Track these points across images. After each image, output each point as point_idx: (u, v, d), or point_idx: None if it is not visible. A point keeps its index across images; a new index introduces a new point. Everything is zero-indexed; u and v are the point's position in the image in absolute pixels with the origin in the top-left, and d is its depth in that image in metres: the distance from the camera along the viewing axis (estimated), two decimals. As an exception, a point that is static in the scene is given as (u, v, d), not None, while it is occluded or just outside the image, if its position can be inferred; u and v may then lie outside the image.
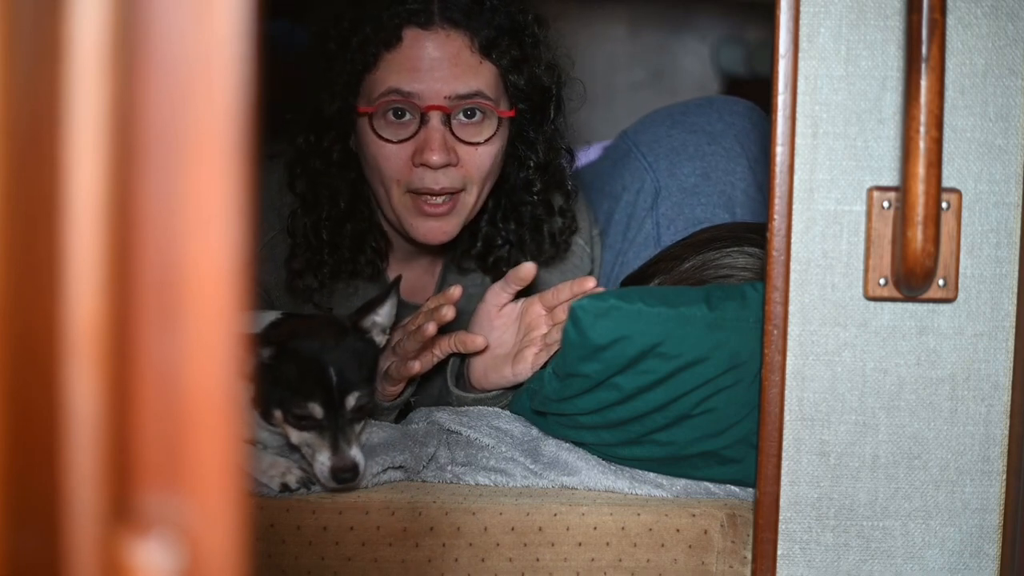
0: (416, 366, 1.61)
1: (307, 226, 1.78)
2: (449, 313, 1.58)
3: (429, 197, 1.72)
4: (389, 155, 1.71)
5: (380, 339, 1.57)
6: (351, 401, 1.46)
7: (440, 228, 1.75)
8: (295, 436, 1.46)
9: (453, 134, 1.70)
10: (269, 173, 1.82)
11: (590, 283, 1.60)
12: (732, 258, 1.68)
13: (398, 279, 1.60)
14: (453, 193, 1.72)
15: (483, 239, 1.86)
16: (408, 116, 1.69)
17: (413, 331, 1.61)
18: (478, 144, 1.72)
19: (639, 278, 1.79)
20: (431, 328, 1.57)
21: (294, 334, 1.50)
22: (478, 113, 1.72)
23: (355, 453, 1.44)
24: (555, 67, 1.80)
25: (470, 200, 1.75)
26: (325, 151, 1.76)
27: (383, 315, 1.56)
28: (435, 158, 1.68)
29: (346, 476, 1.43)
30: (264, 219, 1.81)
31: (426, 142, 1.69)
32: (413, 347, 1.61)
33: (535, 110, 1.78)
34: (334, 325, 1.56)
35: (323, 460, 1.43)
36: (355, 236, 1.80)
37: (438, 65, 1.68)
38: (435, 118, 1.69)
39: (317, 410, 1.44)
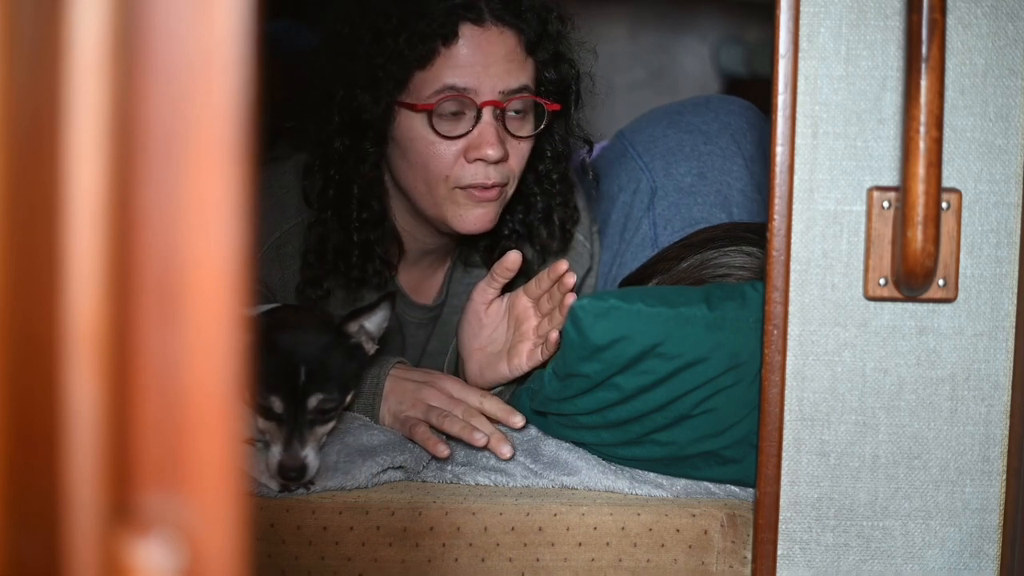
0: (445, 451, 1.55)
1: (325, 233, 1.77)
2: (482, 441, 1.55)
3: (479, 190, 1.72)
4: (440, 152, 1.70)
5: (369, 346, 1.56)
6: (313, 402, 1.46)
7: (486, 215, 1.74)
8: (260, 422, 1.47)
9: (506, 129, 1.71)
10: (276, 174, 1.82)
11: (563, 266, 1.60)
12: (730, 257, 1.69)
13: (393, 295, 1.59)
14: (501, 186, 1.73)
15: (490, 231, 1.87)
16: (458, 112, 1.69)
17: (443, 419, 1.57)
18: (524, 138, 1.74)
19: (637, 279, 1.79)
20: (445, 453, 1.54)
21: (279, 325, 1.51)
22: (522, 108, 1.73)
23: (306, 454, 1.44)
24: (574, 63, 1.81)
25: (510, 192, 1.77)
26: (365, 154, 1.75)
27: (373, 324, 1.55)
28: (492, 152, 1.68)
29: (291, 475, 1.43)
30: (270, 220, 1.81)
31: (482, 138, 1.69)
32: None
33: (560, 104, 1.80)
34: (321, 324, 1.55)
35: (274, 453, 1.45)
36: (365, 244, 1.79)
37: (493, 61, 1.69)
38: (488, 113, 1.69)
39: (277, 404, 1.44)
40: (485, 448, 1.54)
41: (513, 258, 1.64)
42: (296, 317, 1.58)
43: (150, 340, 0.53)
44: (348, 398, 1.54)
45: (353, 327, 1.54)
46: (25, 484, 0.51)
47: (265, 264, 1.80)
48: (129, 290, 0.52)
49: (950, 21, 1.24)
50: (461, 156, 1.70)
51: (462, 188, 1.71)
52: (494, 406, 1.59)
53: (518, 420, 1.58)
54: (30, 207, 0.51)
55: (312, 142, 1.77)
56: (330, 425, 1.51)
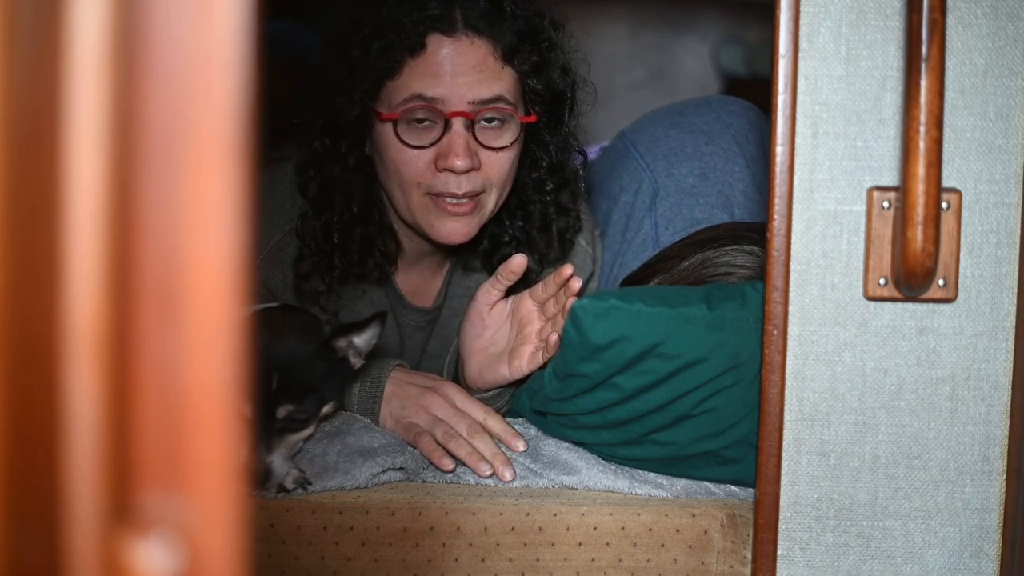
0: (450, 465, 1.56)
1: (317, 229, 1.77)
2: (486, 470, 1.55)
3: (450, 198, 1.72)
4: (410, 160, 1.70)
5: (355, 361, 1.54)
6: (282, 412, 1.45)
7: (461, 228, 1.74)
8: None
9: (476, 139, 1.70)
10: (278, 176, 1.82)
11: (568, 269, 1.60)
12: (731, 256, 1.68)
13: (384, 314, 1.58)
14: (474, 195, 1.73)
15: (489, 237, 1.86)
16: (429, 121, 1.69)
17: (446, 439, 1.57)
18: (499, 149, 1.72)
19: (639, 278, 1.79)
20: (450, 467, 1.55)
21: (262, 328, 1.49)
22: (497, 119, 1.72)
23: (272, 459, 1.44)
24: (569, 70, 1.80)
25: (490, 202, 1.75)
26: (342, 156, 1.75)
27: (362, 340, 1.54)
28: (459, 163, 1.68)
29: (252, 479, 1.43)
30: (272, 221, 1.81)
31: (450, 147, 1.68)
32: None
33: (550, 113, 1.79)
34: (307, 333, 1.53)
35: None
36: (364, 240, 1.79)
37: (462, 71, 1.68)
38: (458, 123, 1.68)
39: (245, 408, 1.43)
40: (490, 476, 1.54)
41: (519, 261, 1.64)
42: (283, 322, 1.55)
43: (150, 340, 0.53)
44: (326, 409, 1.51)
45: (341, 343, 1.52)
46: (25, 484, 0.51)
47: (266, 266, 1.80)
48: (129, 290, 0.52)
49: (950, 21, 1.24)
50: (432, 164, 1.70)
51: (434, 196, 1.71)
52: (498, 425, 1.59)
53: (520, 445, 1.57)
54: (30, 207, 0.51)
55: (304, 140, 1.78)
56: (305, 432, 1.49)
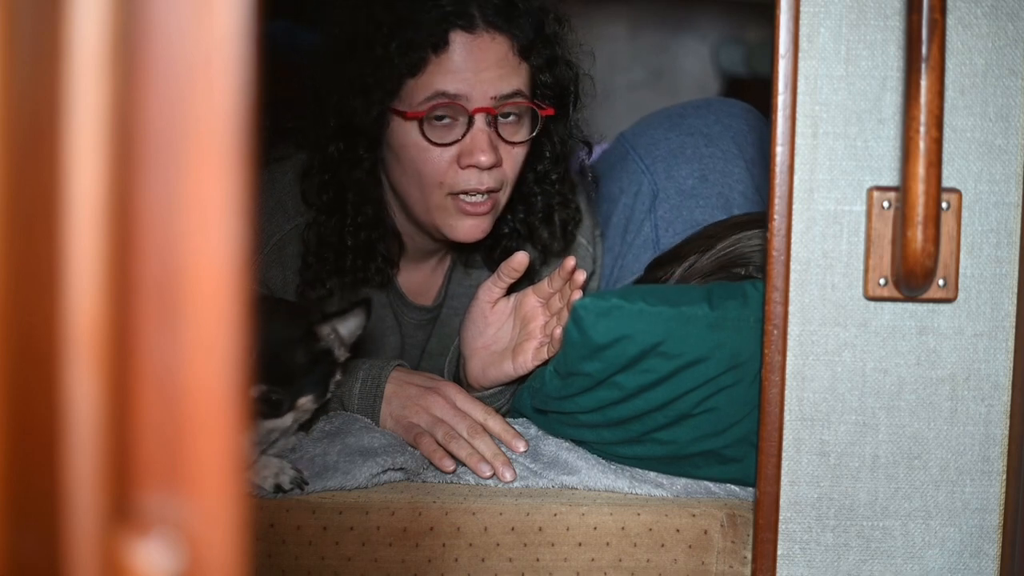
0: (451, 466, 1.56)
1: (326, 234, 1.77)
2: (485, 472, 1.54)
3: (469, 196, 1.72)
4: (433, 158, 1.70)
5: (340, 353, 1.52)
6: (254, 392, 1.41)
7: (479, 226, 1.75)
8: None
9: (498, 134, 1.71)
10: (278, 176, 1.82)
11: (571, 262, 1.61)
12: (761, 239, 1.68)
13: (368, 300, 1.57)
14: (493, 192, 1.73)
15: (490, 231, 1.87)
16: (450, 119, 1.69)
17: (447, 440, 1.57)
18: (518, 143, 1.74)
19: (671, 257, 1.78)
20: (451, 468, 1.54)
21: (254, 311, 1.47)
22: (515, 114, 1.72)
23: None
24: (572, 64, 1.81)
25: (503, 198, 1.77)
26: (359, 159, 1.75)
27: (346, 329, 1.52)
28: (484, 159, 1.69)
29: None
30: (272, 220, 1.81)
31: (474, 144, 1.69)
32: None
33: (557, 106, 1.80)
34: (293, 320, 1.51)
35: None
36: (368, 243, 1.79)
37: (485, 67, 1.69)
38: (480, 120, 1.69)
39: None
40: (491, 477, 1.54)
41: (520, 259, 1.64)
42: (272, 307, 1.53)
43: (150, 340, 0.53)
44: (303, 401, 1.49)
45: (325, 330, 1.50)
46: (25, 484, 0.51)
47: (266, 265, 1.80)
48: (129, 290, 0.52)
49: (950, 21, 1.24)
50: (455, 162, 1.70)
51: (455, 195, 1.71)
52: (498, 425, 1.59)
53: (520, 446, 1.57)
54: (30, 207, 0.51)
55: (310, 144, 1.78)
56: (281, 422, 1.47)
